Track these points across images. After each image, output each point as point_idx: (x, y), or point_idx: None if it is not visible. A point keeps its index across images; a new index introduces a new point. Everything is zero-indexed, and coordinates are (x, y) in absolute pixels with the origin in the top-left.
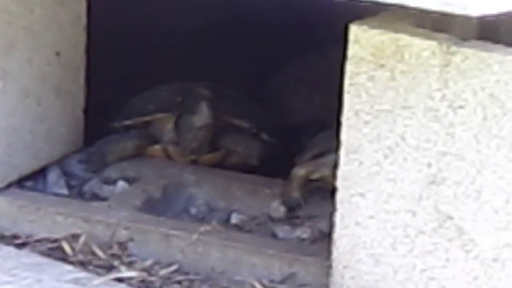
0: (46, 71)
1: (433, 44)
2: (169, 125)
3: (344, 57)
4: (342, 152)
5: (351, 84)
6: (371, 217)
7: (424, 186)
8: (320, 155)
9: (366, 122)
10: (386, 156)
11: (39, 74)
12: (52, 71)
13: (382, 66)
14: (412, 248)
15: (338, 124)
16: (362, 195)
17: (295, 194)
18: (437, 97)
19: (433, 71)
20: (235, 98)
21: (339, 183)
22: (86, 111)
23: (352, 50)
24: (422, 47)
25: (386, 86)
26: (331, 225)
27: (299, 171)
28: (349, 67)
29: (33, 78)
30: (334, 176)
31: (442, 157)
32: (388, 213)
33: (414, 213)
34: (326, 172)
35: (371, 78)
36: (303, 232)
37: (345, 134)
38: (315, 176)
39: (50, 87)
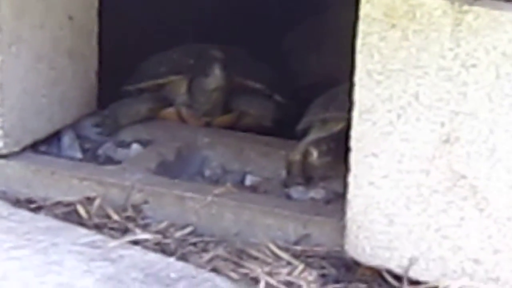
0: (58, 35)
1: (445, 3)
2: (182, 88)
3: (356, 17)
4: (355, 112)
5: (363, 44)
6: (385, 177)
7: (437, 146)
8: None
9: (379, 82)
10: (399, 116)
11: (52, 39)
12: (65, 35)
13: (394, 25)
14: (426, 208)
15: (351, 84)
16: (375, 155)
17: (298, 180)
18: (450, 57)
19: (445, 30)
20: (248, 60)
21: (352, 143)
22: (99, 75)
23: (363, 10)
24: (433, 6)
25: (398, 46)
26: (345, 185)
27: (295, 156)
28: (361, 27)
29: (45, 43)
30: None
31: (455, 117)
32: (401, 172)
33: (427, 173)
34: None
35: (383, 38)
36: (317, 193)
37: (357, 95)
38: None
39: (63, 51)
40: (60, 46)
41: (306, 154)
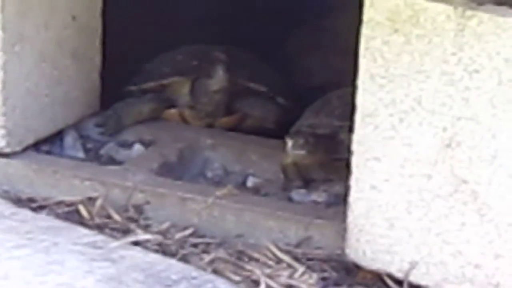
0: (62, 35)
1: (448, 8)
2: (185, 89)
3: (359, 21)
4: (358, 116)
5: (366, 48)
6: (387, 181)
7: (440, 150)
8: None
9: (382, 86)
10: (401, 120)
11: (55, 38)
12: (68, 35)
13: (397, 30)
14: (427, 212)
15: (354, 87)
16: (377, 159)
17: (297, 182)
18: (453, 61)
19: (448, 35)
20: (251, 61)
21: (354, 147)
22: (102, 75)
23: (367, 14)
24: (437, 11)
25: (401, 50)
26: (347, 188)
27: (286, 159)
28: (364, 31)
29: (49, 42)
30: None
31: (457, 121)
32: (403, 177)
33: (429, 177)
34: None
35: (386, 42)
36: (319, 196)
37: (360, 98)
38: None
39: (66, 51)
40: (64, 46)
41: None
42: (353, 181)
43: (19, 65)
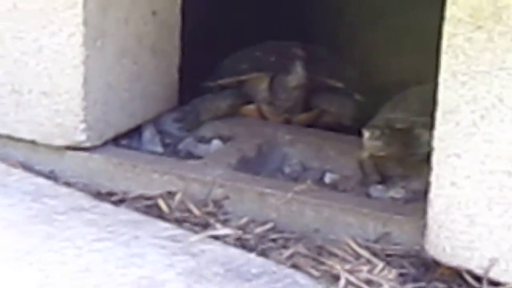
0: (142, 30)
1: None
2: (264, 85)
3: (441, 18)
4: (439, 112)
5: (448, 46)
6: (467, 177)
7: None
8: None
9: (463, 83)
10: (482, 117)
11: (136, 34)
12: (148, 31)
13: (479, 27)
14: (508, 209)
15: (434, 84)
16: (458, 155)
17: (374, 178)
18: None
19: None
20: (328, 58)
21: (435, 143)
22: (181, 70)
23: (450, 11)
24: None
25: (483, 47)
26: (427, 185)
27: (362, 154)
28: (446, 28)
29: (129, 38)
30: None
31: None
32: (484, 173)
33: (510, 174)
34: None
35: (468, 39)
36: (397, 192)
37: (441, 95)
38: (381, 152)
39: (146, 46)
40: (144, 41)
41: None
42: (433, 178)
43: (100, 60)
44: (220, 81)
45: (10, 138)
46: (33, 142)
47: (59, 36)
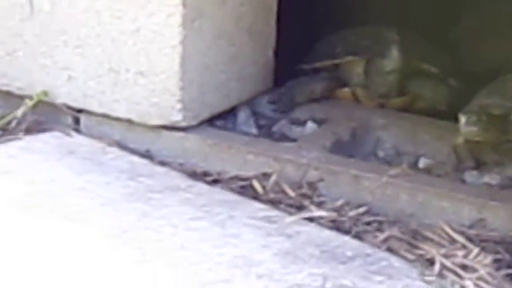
0: (239, 11)
1: None
2: (359, 69)
3: None
4: None
5: None
6: None
7: None
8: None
9: None
10: None
11: (233, 15)
12: (245, 12)
13: None
14: None
15: None
16: None
17: (469, 163)
18: None
19: None
20: (423, 43)
21: None
22: (276, 52)
23: None
24: None
25: None
26: None
27: (457, 139)
28: None
29: (226, 19)
30: None
31: None
32: None
33: None
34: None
35: None
36: (492, 178)
37: None
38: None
39: (243, 27)
40: (240, 23)
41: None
42: None
43: (198, 41)
44: (315, 64)
45: (106, 116)
46: (129, 121)
47: (157, 16)
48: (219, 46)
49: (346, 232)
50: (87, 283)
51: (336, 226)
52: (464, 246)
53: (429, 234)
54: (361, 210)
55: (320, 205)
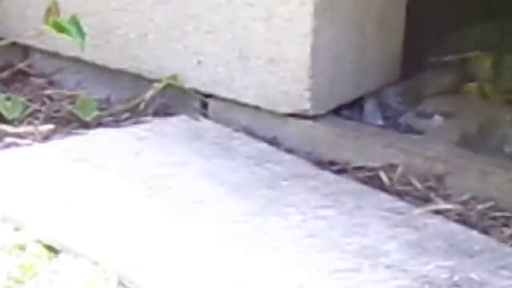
0: (370, 2)
1: None
2: (487, 64)
3: None
4: None
5: None
6: None
7: None
8: None
9: None
10: None
11: (363, 6)
12: (376, 3)
13: None
14: None
15: None
16: None
17: None
18: None
19: None
20: None
21: None
22: (404, 44)
23: None
24: None
25: None
26: None
27: None
28: None
29: (357, 9)
30: None
31: None
32: None
33: None
34: None
35: None
36: None
37: None
38: None
39: (372, 18)
40: (370, 14)
41: None
42: None
43: (328, 31)
44: (443, 58)
45: (235, 102)
46: (257, 108)
47: (290, 4)
48: (349, 37)
49: (473, 226)
50: (219, 265)
51: (463, 220)
52: None
53: None
54: (488, 205)
55: (446, 198)
